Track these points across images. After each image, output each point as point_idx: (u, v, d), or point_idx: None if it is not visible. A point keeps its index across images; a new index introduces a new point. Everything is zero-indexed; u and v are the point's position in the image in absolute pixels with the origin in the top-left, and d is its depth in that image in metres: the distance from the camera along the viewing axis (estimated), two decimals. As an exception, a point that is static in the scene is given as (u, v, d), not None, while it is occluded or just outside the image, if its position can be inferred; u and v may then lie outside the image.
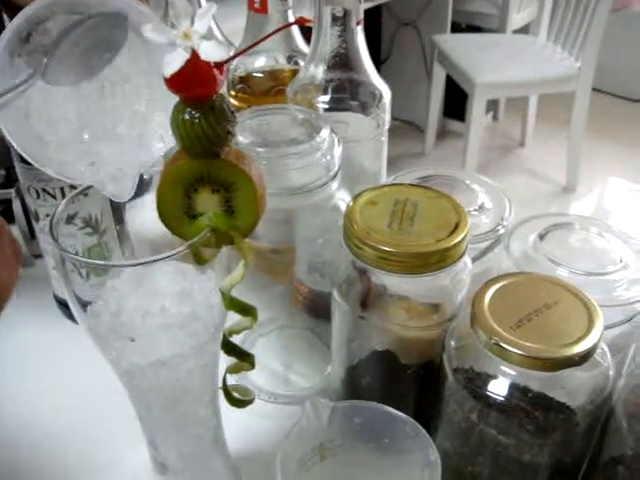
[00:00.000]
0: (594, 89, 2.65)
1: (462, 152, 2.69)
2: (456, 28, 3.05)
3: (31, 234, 0.73)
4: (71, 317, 0.70)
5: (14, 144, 0.40)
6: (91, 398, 0.62)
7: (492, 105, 3.19)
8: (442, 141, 3.14)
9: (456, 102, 2.97)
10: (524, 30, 3.00)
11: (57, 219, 0.39)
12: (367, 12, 0.62)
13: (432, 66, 2.93)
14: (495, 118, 3.33)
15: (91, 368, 0.53)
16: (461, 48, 2.73)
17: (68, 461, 0.58)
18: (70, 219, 0.44)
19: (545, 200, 2.74)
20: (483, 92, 2.55)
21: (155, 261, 0.36)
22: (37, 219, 0.65)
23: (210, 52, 0.32)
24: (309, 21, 0.43)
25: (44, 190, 0.62)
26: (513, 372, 0.42)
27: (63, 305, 0.71)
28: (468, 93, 2.60)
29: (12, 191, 0.69)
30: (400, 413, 0.45)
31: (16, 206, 0.69)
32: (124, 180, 0.41)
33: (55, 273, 0.69)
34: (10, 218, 0.68)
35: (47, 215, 0.64)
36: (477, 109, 2.58)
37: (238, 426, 0.53)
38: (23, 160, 0.62)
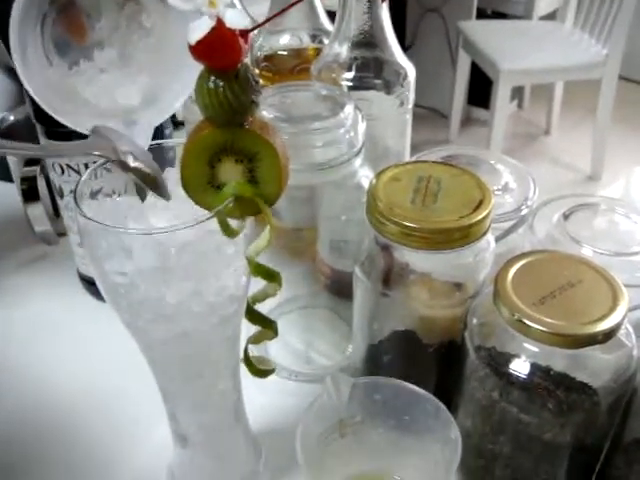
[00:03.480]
0: (621, 77, 2.62)
1: (486, 140, 2.67)
2: (482, 14, 3.03)
3: (55, 213, 0.73)
4: (94, 294, 0.71)
5: (30, 91, 0.40)
6: (114, 373, 0.62)
7: (517, 92, 3.16)
8: (466, 128, 3.12)
9: (481, 89, 2.95)
10: (551, 17, 2.97)
11: (81, 189, 0.39)
12: (392, -2, 0.61)
13: (457, 53, 2.91)
14: (520, 106, 3.30)
15: (114, 343, 0.54)
16: (486, 35, 2.70)
17: (90, 435, 0.59)
18: (94, 195, 0.44)
19: (570, 188, 2.71)
20: (508, 79, 2.53)
21: (181, 229, 0.36)
22: (61, 195, 0.66)
23: (235, 20, 0.32)
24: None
25: (68, 166, 0.63)
26: (535, 349, 0.42)
27: (87, 282, 0.72)
28: (493, 80, 2.58)
29: (37, 168, 0.69)
30: (421, 390, 0.44)
31: (41, 185, 0.70)
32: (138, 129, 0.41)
33: (80, 250, 0.69)
34: (35, 196, 0.69)
35: (71, 191, 0.64)
36: (502, 96, 2.55)
37: (259, 403, 0.54)
38: (49, 135, 0.62)
